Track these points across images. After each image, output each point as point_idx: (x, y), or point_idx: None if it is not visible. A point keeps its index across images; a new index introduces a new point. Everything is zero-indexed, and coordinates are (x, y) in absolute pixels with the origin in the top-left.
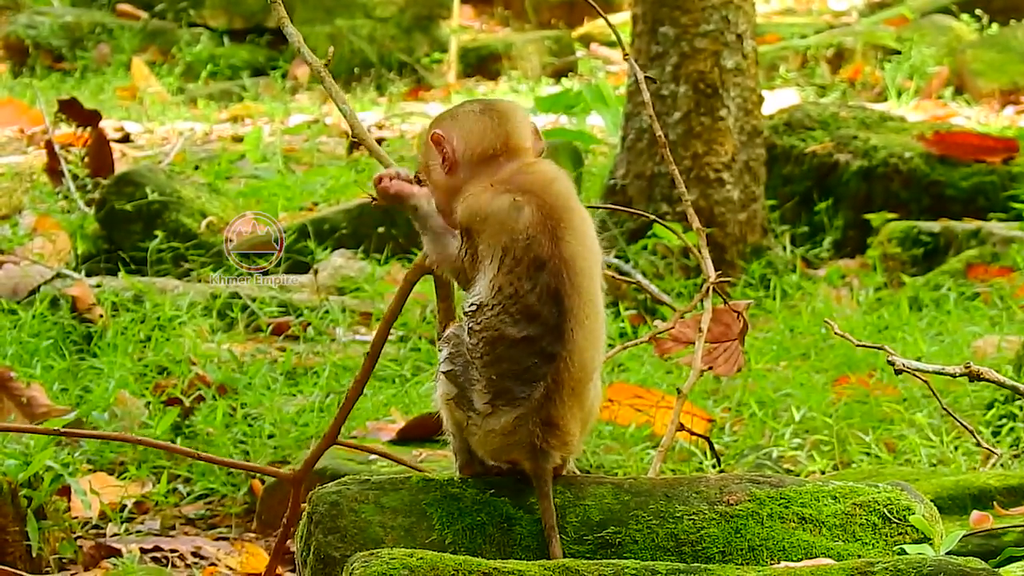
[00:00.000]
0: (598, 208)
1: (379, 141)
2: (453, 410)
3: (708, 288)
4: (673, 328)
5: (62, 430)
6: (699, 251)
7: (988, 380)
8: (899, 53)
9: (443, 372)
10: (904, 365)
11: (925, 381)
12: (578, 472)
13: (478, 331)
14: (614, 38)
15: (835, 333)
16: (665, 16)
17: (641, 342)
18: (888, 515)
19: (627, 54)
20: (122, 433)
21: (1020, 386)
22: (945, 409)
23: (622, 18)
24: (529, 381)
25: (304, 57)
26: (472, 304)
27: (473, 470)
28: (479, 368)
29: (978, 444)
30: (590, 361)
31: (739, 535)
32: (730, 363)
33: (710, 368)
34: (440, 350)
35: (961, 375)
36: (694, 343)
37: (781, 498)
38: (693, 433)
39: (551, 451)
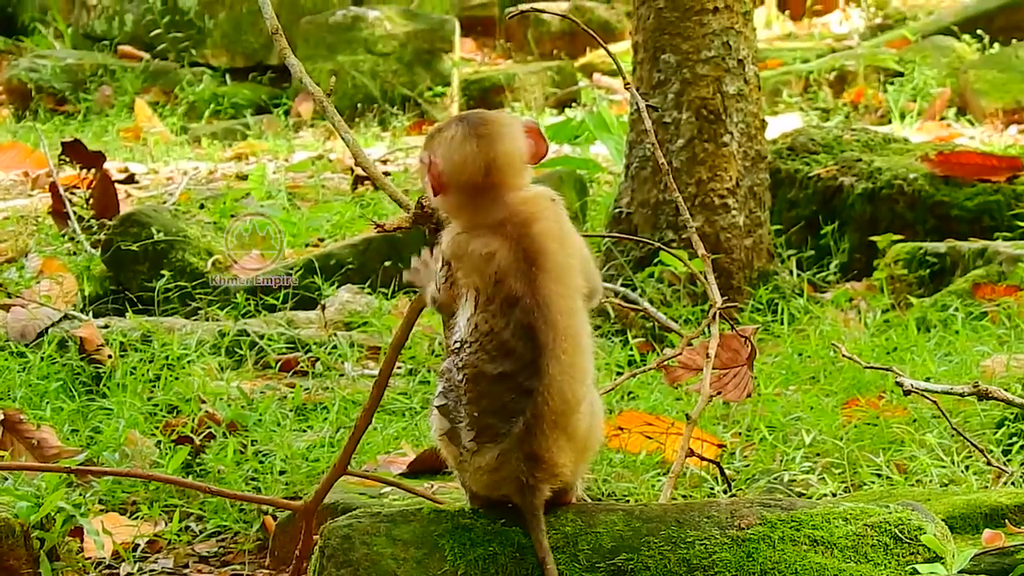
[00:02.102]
0: (604, 237)
1: (383, 176)
2: (447, 445)
3: (715, 314)
4: (680, 355)
5: (87, 468)
6: (705, 277)
7: (997, 398)
8: (901, 75)
9: (437, 407)
10: (912, 386)
11: (934, 401)
12: (588, 500)
13: (461, 368)
14: (616, 67)
15: (843, 355)
16: (666, 43)
17: (648, 370)
18: (900, 535)
19: (628, 82)
20: (135, 469)
21: None
22: (955, 429)
23: (623, 47)
24: (508, 417)
25: (307, 87)
26: (455, 341)
27: (483, 502)
28: (464, 405)
29: (989, 463)
30: (570, 394)
31: (751, 559)
32: (739, 389)
33: (719, 394)
34: (437, 384)
35: (970, 394)
36: (702, 370)
37: (792, 521)
38: (703, 459)
39: (538, 484)
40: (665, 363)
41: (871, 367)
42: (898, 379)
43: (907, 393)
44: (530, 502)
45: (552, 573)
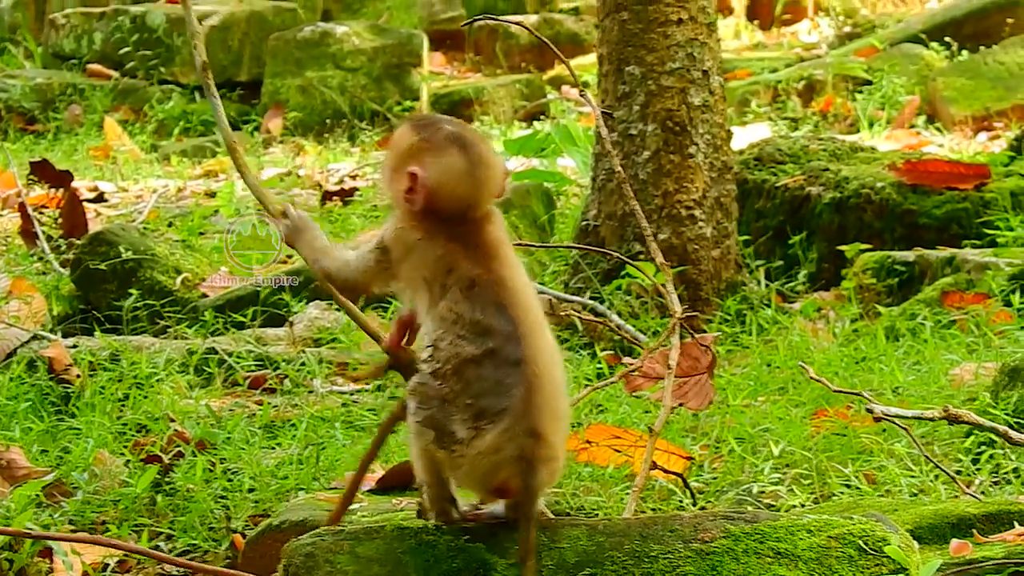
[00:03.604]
0: (571, 248)
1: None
2: (434, 454)
3: (675, 324)
4: (643, 366)
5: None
6: (664, 288)
7: (966, 422)
8: (870, 83)
9: (417, 422)
10: (883, 413)
11: (904, 428)
12: (552, 515)
13: (441, 368)
14: (585, 79)
15: (811, 378)
16: (630, 55)
17: (612, 382)
18: (864, 547)
19: (583, 90)
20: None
21: (997, 427)
22: (925, 455)
23: (592, 59)
24: (504, 393)
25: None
26: (427, 348)
27: (449, 518)
28: (454, 400)
29: (957, 483)
30: (554, 367)
31: (715, 572)
32: (700, 396)
33: (681, 404)
34: (408, 408)
35: (940, 419)
36: (663, 378)
37: (756, 533)
38: (667, 471)
39: (538, 464)
40: (627, 374)
41: (840, 391)
42: (868, 406)
43: (877, 419)
44: (531, 483)
45: (531, 572)
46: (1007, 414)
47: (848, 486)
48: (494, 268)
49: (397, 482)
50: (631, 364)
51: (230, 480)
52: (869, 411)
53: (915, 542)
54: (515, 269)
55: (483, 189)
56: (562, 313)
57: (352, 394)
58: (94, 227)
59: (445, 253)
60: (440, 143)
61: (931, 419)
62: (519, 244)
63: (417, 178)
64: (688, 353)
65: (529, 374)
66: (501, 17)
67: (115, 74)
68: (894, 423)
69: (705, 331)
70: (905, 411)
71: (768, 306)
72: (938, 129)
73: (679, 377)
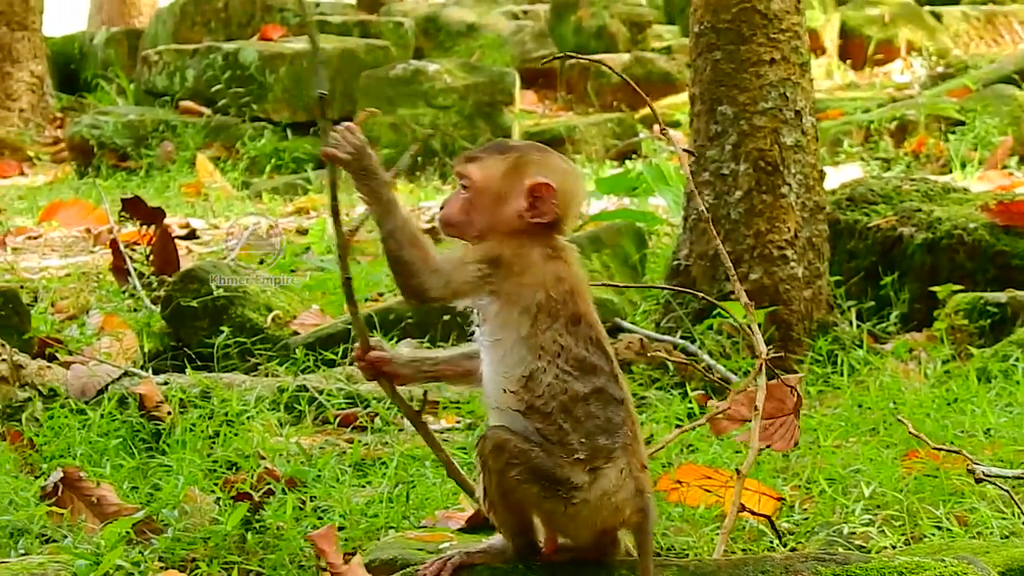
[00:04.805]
0: (663, 289)
1: None
2: (541, 504)
3: (761, 365)
4: (729, 408)
5: None
6: (750, 328)
7: None
8: (963, 124)
9: (519, 480)
10: (984, 474)
11: (1006, 491)
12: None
13: (543, 405)
14: (677, 118)
15: (910, 433)
16: (723, 95)
17: (699, 424)
18: None
19: (663, 128)
20: None
21: None
22: (1020, 508)
23: (683, 98)
24: (614, 431)
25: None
26: (521, 376)
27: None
28: (567, 440)
29: None
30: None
31: None
32: (786, 438)
33: (768, 446)
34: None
35: None
36: (749, 420)
37: None
38: (754, 513)
39: (651, 497)
40: (712, 416)
41: (940, 448)
42: (970, 466)
43: (979, 481)
44: (648, 520)
45: None
46: None
47: (939, 528)
48: (590, 306)
49: (486, 522)
50: (718, 407)
51: (320, 518)
52: (970, 472)
53: None
54: (592, 305)
55: (585, 188)
56: (653, 353)
57: (443, 432)
58: (185, 264)
59: (567, 277)
60: (542, 154)
61: None
62: (610, 284)
63: (543, 187)
64: (772, 395)
65: (630, 412)
66: (591, 56)
67: (207, 111)
68: (997, 486)
69: (796, 371)
70: (1006, 471)
71: (860, 347)
72: None
73: (765, 418)
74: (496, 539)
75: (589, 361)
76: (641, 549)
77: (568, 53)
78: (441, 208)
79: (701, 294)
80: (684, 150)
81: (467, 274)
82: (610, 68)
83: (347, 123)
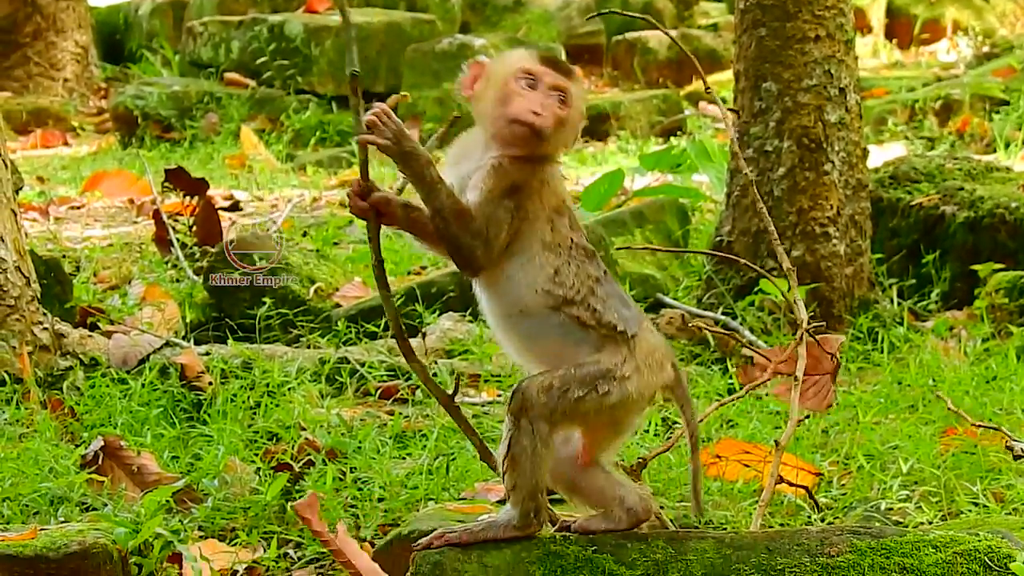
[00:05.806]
0: (704, 254)
1: None
2: (601, 404)
3: (801, 334)
4: (767, 377)
5: None
6: (794, 298)
7: None
8: (1007, 103)
9: (575, 400)
10: (1022, 450)
11: None
12: (679, 527)
13: (576, 294)
14: (723, 96)
15: (949, 410)
16: (767, 72)
17: (738, 397)
18: (989, 563)
19: (709, 88)
20: None
21: None
22: None
23: (728, 75)
24: (627, 303)
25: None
26: (548, 276)
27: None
28: (604, 319)
29: None
30: None
31: None
32: (819, 398)
33: (806, 415)
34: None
35: None
36: (780, 374)
37: (882, 549)
38: (792, 484)
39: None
40: (751, 382)
41: (980, 425)
42: (1008, 443)
43: (1017, 458)
44: (679, 370)
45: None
46: None
47: (976, 504)
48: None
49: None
50: (756, 377)
51: (360, 489)
52: (1009, 448)
53: None
54: None
55: None
56: (694, 327)
57: (483, 405)
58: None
59: (559, 178)
60: (566, 63)
61: None
62: (654, 248)
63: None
64: (809, 353)
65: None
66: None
67: (252, 83)
68: None
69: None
70: None
71: (900, 324)
72: None
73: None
74: (499, 513)
75: (589, 248)
76: (682, 398)
77: (612, 10)
78: (535, 113)
79: (744, 261)
80: (730, 109)
81: (499, 220)
82: (671, 36)
83: (379, 104)
